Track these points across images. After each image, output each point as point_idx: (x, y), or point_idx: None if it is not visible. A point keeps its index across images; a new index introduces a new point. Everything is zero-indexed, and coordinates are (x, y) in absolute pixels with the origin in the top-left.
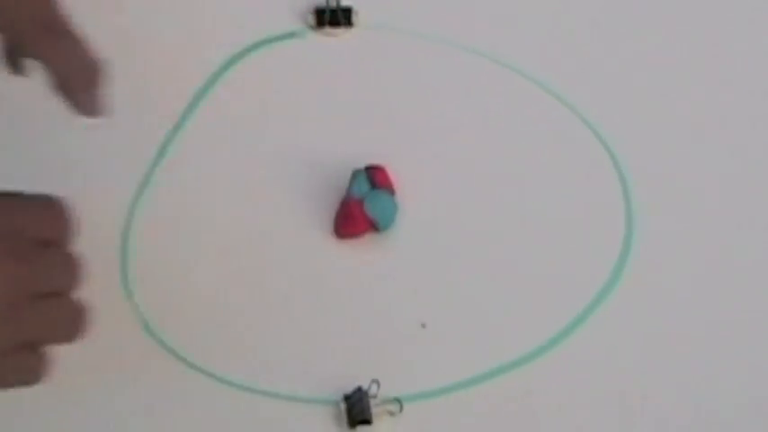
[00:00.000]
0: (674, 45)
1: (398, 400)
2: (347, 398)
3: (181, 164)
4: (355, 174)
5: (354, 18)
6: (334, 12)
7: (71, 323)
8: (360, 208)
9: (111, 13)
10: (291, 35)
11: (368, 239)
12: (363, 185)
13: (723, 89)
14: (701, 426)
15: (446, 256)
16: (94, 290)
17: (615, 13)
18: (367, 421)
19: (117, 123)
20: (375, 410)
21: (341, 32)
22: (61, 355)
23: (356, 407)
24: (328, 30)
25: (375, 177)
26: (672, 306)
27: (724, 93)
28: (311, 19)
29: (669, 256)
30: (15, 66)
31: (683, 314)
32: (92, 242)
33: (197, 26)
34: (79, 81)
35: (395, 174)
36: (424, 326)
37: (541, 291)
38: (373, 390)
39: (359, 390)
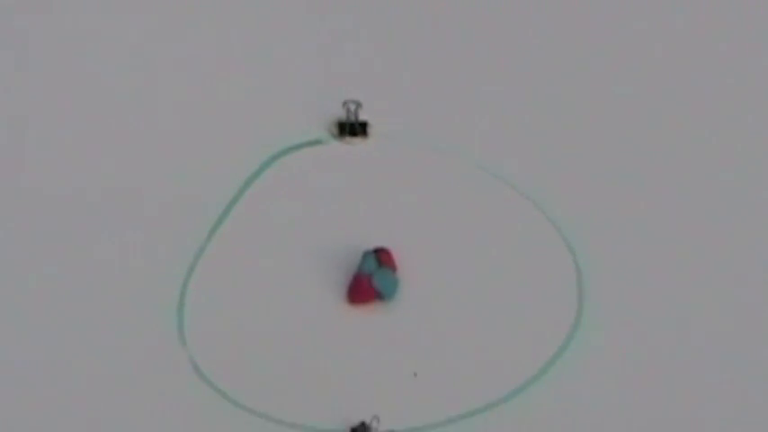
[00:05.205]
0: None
1: None
2: (353, 430)
3: (227, 245)
4: (365, 255)
5: (370, 130)
6: (352, 124)
7: None
8: (368, 282)
9: (150, 117)
10: (318, 142)
11: (374, 307)
12: (372, 264)
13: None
14: None
15: (436, 321)
16: (153, 336)
17: (618, 142)
18: None
19: (160, 222)
20: None
21: (358, 141)
22: (115, 390)
23: None
24: (348, 139)
25: (381, 258)
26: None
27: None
28: (334, 129)
29: (617, 320)
30: None
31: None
32: (152, 298)
33: (236, 132)
34: None
35: (398, 255)
36: (415, 374)
37: (511, 345)
38: (374, 424)
39: (362, 424)
